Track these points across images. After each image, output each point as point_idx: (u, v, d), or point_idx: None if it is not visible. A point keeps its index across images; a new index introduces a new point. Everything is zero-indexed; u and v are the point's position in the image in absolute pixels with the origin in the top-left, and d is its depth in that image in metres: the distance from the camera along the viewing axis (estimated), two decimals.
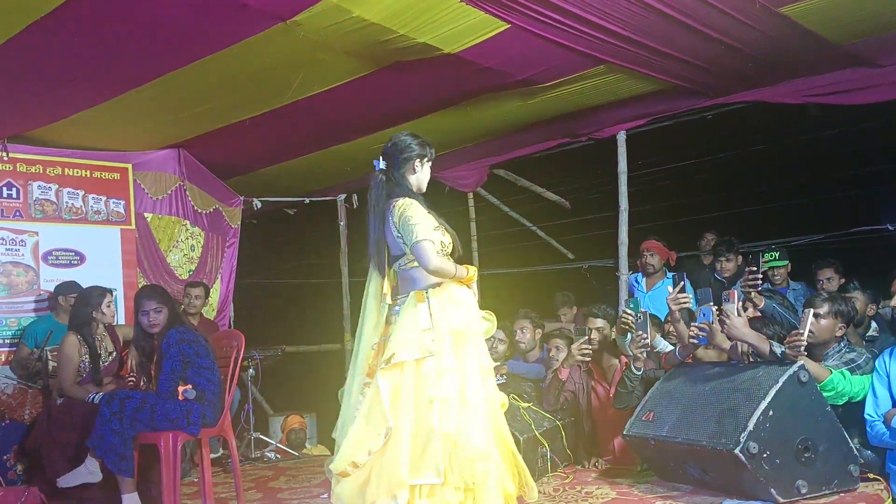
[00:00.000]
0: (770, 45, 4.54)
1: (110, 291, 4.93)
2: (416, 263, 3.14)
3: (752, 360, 3.97)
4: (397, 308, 3.19)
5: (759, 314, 4.29)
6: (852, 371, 3.86)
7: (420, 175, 3.31)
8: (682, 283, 4.44)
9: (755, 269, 4.36)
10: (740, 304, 3.92)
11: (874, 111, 5.35)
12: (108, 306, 4.81)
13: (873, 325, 4.77)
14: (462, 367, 3.06)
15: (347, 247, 8.00)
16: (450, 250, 3.24)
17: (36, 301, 5.70)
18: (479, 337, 3.19)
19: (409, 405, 2.99)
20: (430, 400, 2.98)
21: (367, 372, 3.15)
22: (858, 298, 4.61)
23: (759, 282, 4.37)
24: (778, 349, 3.82)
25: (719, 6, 3.99)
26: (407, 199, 3.20)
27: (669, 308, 4.32)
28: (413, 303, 3.13)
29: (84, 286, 5.09)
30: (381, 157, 3.30)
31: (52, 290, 5.58)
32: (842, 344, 4.03)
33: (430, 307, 3.10)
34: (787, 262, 5.49)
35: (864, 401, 3.84)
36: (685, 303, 4.33)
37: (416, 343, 3.04)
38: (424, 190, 3.35)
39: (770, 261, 5.33)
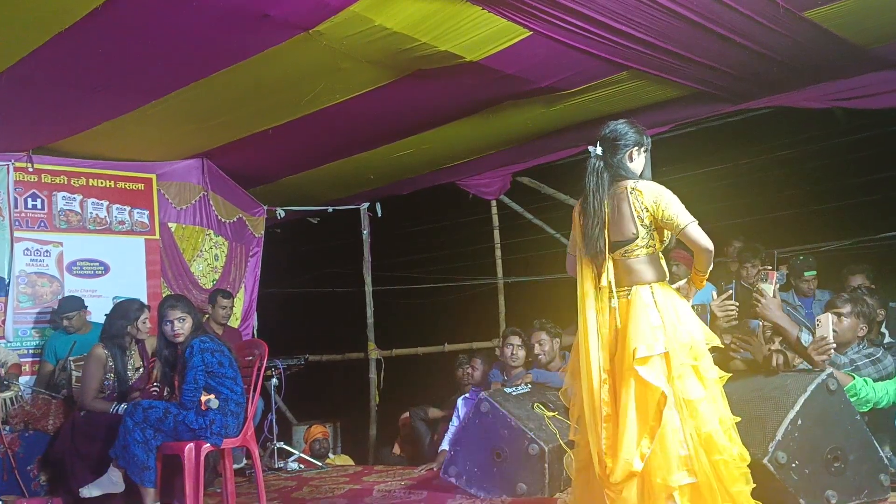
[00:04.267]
0: (794, 50, 4.49)
1: (148, 307, 4.93)
2: (642, 252, 3.09)
3: (784, 366, 3.90)
4: (614, 301, 3.10)
5: None
6: (873, 363, 3.84)
7: (636, 164, 3.22)
8: (730, 290, 4.36)
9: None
10: (777, 286, 3.84)
11: None
12: (145, 322, 4.79)
13: (885, 331, 4.69)
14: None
15: (371, 255, 8.01)
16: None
17: None
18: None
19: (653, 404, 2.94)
20: (681, 402, 2.93)
21: (605, 368, 3.08)
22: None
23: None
24: (805, 336, 3.75)
25: (743, 10, 3.95)
26: (651, 182, 3.14)
27: (713, 314, 4.21)
28: (639, 296, 3.05)
29: (103, 298, 5.13)
30: (597, 143, 3.24)
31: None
32: (862, 343, 4.02)
33: (656, 303, 3.04)
34: (815, 271, 5.41)
35: (890, 408, 3.79)
36: (731, 311, 4.21)
37: (650, 338, 2.97)
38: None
39: (803, 268, 5.26)
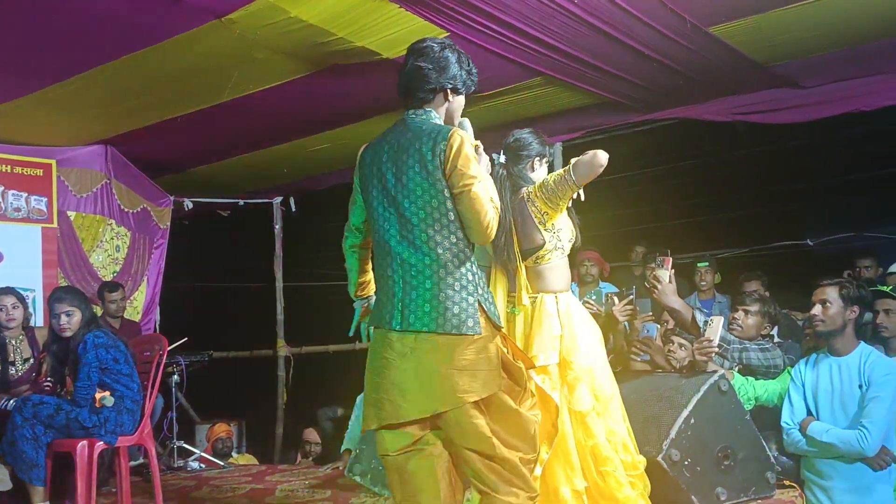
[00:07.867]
0: (700, 64, 4.66)
1: (10, 293, 4.71)
2: (552, 257, 3.15)
3: (678, 368, 4.06)
4: (514, 308, 3.16)
5: None
6: (762, 350, 4.04)
7: (537, 174, 3.26)
8: (632, 296, 4.48)
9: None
10: (672, 271, 3.98)
11: (798, 130, 5.55)
12: (1, 310, 4.60)
13: (773, 334, 4.95)
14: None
15: (283, 251, 7.88)
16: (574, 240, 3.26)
17: None
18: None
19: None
20: (571, 412, 3.00)
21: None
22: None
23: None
24: (701, 320, 3.91)
25: (653, 24, 4.08)
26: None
27: (613, 318, 4.33)
28: (544, 305, 3.12)
29: None
30: (501, 151, 3.28)
31: None
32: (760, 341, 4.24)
33: (559, 312, 3.10)
34: (707, 263, 5.67)
35: (777, 407, 4.00)
36: (629, 315, 4.34)
37: (549, 348, 3.03)
38: None
39: (696, 261, 5.52)
